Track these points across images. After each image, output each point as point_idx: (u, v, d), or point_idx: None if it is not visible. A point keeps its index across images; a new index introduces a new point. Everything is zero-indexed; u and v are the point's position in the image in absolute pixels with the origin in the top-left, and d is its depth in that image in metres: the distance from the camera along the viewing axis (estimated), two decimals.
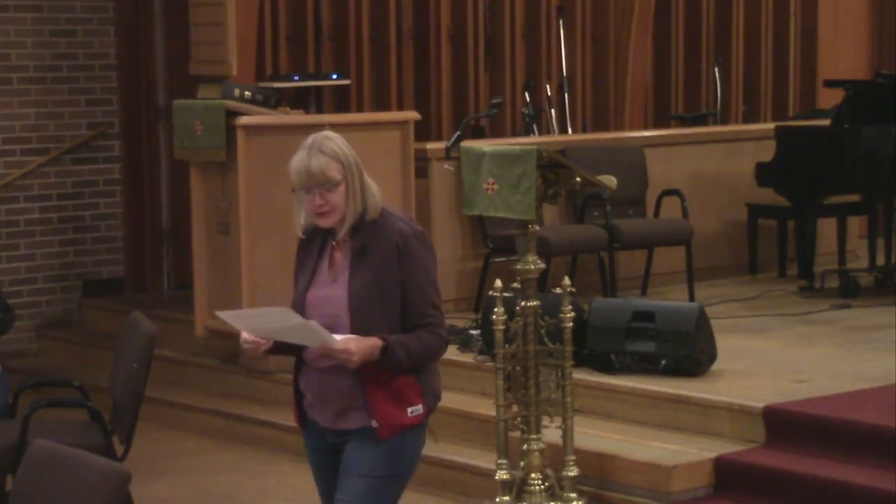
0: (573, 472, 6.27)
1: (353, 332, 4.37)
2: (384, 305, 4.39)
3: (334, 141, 4.44)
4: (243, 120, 8.08)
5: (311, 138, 4.46)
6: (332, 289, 4.44)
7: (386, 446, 4.42)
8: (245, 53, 9.04)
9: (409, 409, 4.44)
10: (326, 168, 4.37)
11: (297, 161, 4.41)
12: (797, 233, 9.82)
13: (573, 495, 6.28)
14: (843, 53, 12.75)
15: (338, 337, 4.34)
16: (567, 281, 6.33)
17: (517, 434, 6.37)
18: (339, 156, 4.40)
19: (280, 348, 4.46)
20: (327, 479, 4.59)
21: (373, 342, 4.33)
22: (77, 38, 10.20)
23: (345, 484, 4.47)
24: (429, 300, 4.44)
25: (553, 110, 11.08)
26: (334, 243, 4.49)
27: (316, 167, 4.37)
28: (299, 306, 4.47)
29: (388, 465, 4.45)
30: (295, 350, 4.50)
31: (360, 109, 10.28)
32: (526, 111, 10.83)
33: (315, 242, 4.53)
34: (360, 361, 4.31)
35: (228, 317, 4.44)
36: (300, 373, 4.53)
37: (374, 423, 4.39)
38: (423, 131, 9.86)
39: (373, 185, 4.49)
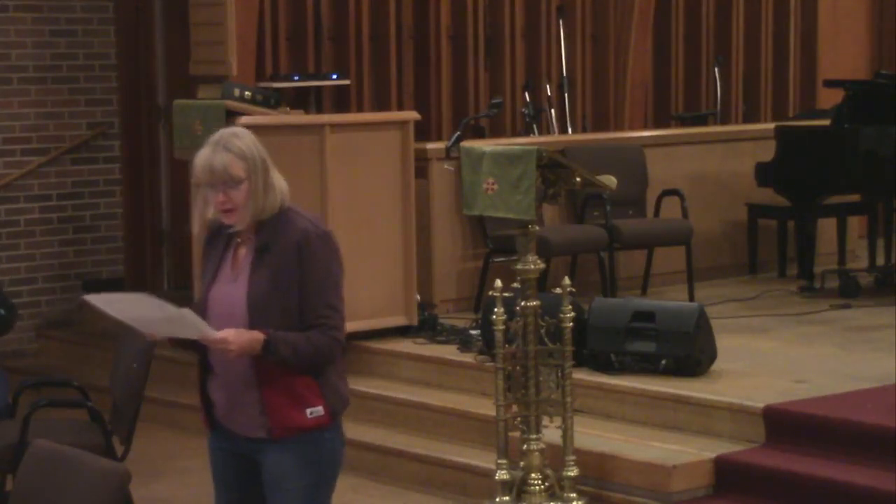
0: (573, 472, 6.27)
1: (250, 330, 4.30)
2: (282, 304, 4.30)
3: (241, 138, 4.35)
4: (243, 120, 8.06)
5: (217, 134, 4.38)
6: (233, 286, 4.37)
7: (301, 454, 4.35)
8: (245, 53, 9.04)
9: (308, 411, 4.33)
10: (230, 165, 4.29)
11: (201, 157, 4.33)
12: (797, 233, 9.82)
13: (573, 495, 6.28)
14: (843, 53, 12.75)
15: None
16: (567, 281, 6.33)
17: (517, 434, 6.37)
18: (245, 154, 4.31)
19: (183, 342, 4.38)
20: (230, 485, 4.51)
21: (254, 335, 4.24)
22: (77, 38, 10.20)
23: (273, 502, 4.42)
24: (324, 300, 4.32)
25: (553, 110, 11.08)
26: (238, 240, 4.42)
27: (219, 164, 4.29)
28: (201, 301, 4.42)
29: (310, 474, 4.38)
30: (199, 348, 4.39)
31: (360, 109, 10.28)
32: (526, 111, 10.83)
33: (220, 239, 4.47)
34: (239, 352, 4.23)
35: (98, 301, 4.32)
36: (208, 380, 4.45)
37: (269, 423, 4.32)
38: (423, 131, 9.86)
39: (280, 183, 4.39)
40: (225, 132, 4.38)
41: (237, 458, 4.48)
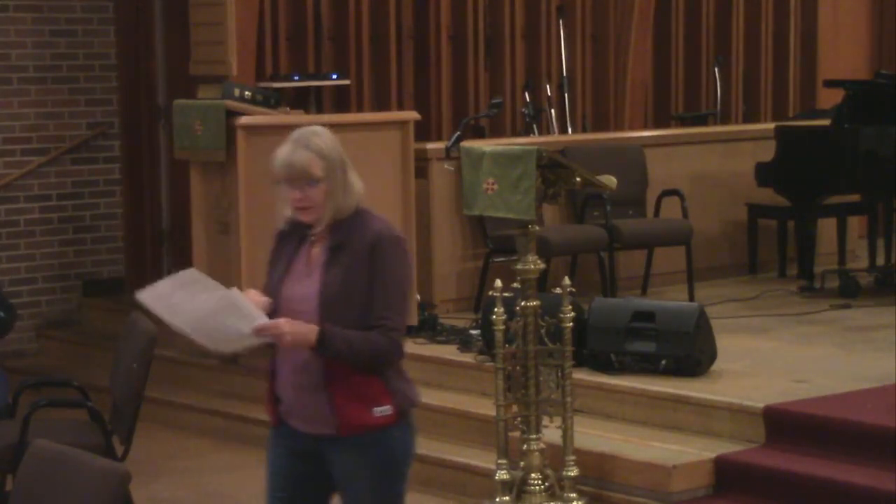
0: (573, 472, 6.27)
1: None
2: (353, 304, 4.34)
3: (321, 137, 4.39)
4: (243, 120, 8.08)
5: (297, 132, 4.42)
6: (306, 284, 4.40)
7: (370, 452, 4.40)
8: (245, 53, 9.04)
9: (376, 409, 4.38)
10: (309, 164, 4.33)
11: (281, 154, 4.37)
12: (797, 233, 9.82)
13: (573, 495, 6.28)
14: (843, 53, 12.75)
15: None
16: (567, 281, 6.33)
17: (517, 434, 6.37)
18: (325, 152, 4.35)
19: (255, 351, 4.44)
20: (284, 485, 4.53)
21: (309, 327, 4.28)
22: (77, 38, 10.20)
23: (349, 502, 4.49)
24: (388, 302, 4.36)
25: (553, 110, 11.07)
26: (312, 239, 4.46)
27: (298, 162, 4.33)
28: (272, 297, 4.43)
29: (380, 471, 4.43)
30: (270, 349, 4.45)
31: (360, 109, 10.28)
32: (526, 111, 10.82)
33: (294, 236, 4.50)
34: (293, 340, 4.26)
35: (151, 300, 4.31)
36: (275, 379, 4.49)
37: (337, 421, 4.36)
38: (423, 131, 9.85)
39: (356, 184, 4.43)
40: (305, 130, 4.42)
41: (296, 458, 4.50)
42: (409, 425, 4.51)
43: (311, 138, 4.37)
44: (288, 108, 8.76)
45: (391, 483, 4.47)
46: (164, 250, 10.49)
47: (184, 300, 4.31)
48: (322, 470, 4.48)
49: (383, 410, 4.39)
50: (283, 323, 4.28)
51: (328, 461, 4.45)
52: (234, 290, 4.29)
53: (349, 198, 4.39)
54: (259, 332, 4.28)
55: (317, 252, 4.44)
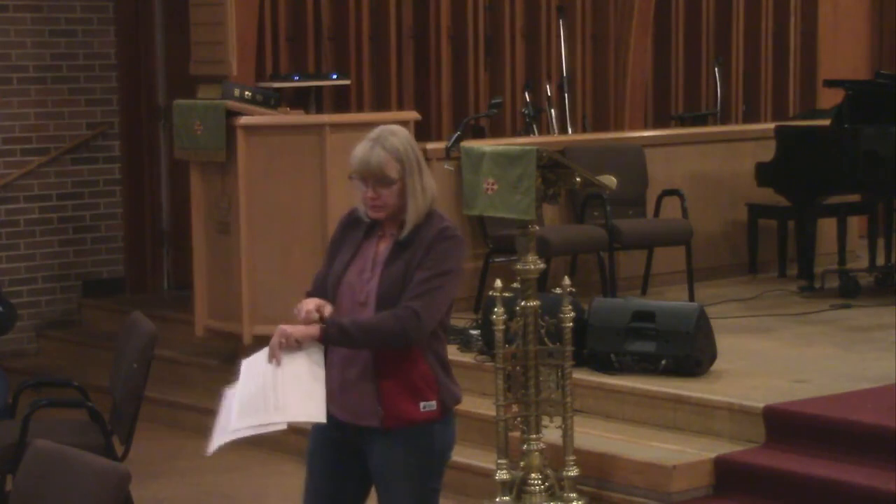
0: (573, 472, 6.27)
1: None
2: None
3: (398, 137, 4.44)
4: (243, 120, 8.08)
5: (377, 130, 4.46)
6: (369, 277, 4.45)
7: (410, 444, 4.44)
8: (245, 53, 9.04)
9: (422, 405, 4.44)
10: (384, 164, 4.39)
11: (359, 151, 4.43)
12: (797, 233, 9.81)
13: (573, 495, 6.28)
14: (843, 53, 12.75)
15: None
16: (567, 281, 6.32)
17: (517, 434, 6.37)
18: (401, 154, 4.41)
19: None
20: (322, 474, 4.59)
21: (313, 326, 4.38)
22: (77, 38, 10.21)
23: (385, 494, 4.52)
24: (423, 286, 4.38)
25: (553, 110, 11.08)
26: (380, 234, 4.51)
27: (375, 161, 4.39)
28: (332, 284, 4.49)
29: (418, 463, 4.47)
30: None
31: (360, 109, 10.29)
32: (526, 111, 10.82)
33: (360, 228, 4.54)
34: (299, 334, 4.34)
35: (217, 443, 4.65)
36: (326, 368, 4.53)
37: (381, 411, 4.41)
38: (423, 131, 9.86)
39: (430, 186, 4.49)
40: (384, 129, 4.47)
41: (336, 448, 4.55)
42: (451, 421, 4.55)
43: (389, 138, 4.43)
44: (288, 108, 8.76)
45: (428, 478, 4.52)
46: (164, 250, 10.50)
47: (226, 414, 4.61)
48: (361, 462, 4.53)
49: (429, 406, 4.45)
50: (285, 328, 4.36)
51: (367, 452, 4.50)
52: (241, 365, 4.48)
53: (425, 200, 4.45)
54: (273, 350, 4.37)
55: (383, 248, 4.48)
